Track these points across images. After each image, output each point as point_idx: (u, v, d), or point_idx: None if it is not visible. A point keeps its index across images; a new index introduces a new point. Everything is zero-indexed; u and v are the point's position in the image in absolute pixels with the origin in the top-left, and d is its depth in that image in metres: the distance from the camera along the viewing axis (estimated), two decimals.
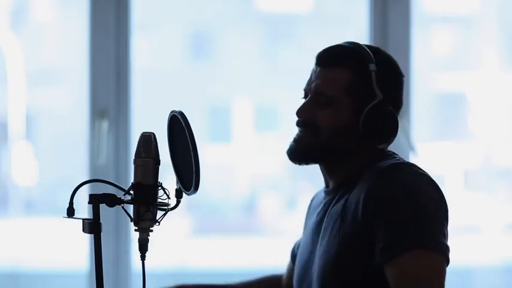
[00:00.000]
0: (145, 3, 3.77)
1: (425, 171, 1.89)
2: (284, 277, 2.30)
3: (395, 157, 1.97)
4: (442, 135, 4.08)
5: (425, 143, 3.78)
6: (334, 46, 2.01)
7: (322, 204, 2.03)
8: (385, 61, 1.99)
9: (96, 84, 3.59)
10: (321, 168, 2.05)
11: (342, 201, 1.93)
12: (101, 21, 3.58)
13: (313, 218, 2.06)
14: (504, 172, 4.09)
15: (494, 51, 4.09)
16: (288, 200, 3.96)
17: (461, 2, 4.11)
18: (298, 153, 2.00)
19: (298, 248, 2.16)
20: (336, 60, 1.99)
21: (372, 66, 1.95)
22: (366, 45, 2.00)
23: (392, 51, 3.63)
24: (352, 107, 1.95)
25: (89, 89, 3.59)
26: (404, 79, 2.04)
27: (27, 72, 3.89)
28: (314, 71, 2.01)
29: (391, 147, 2.03)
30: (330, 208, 1.97)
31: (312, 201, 2.19)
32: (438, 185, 1.87)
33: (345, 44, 2.01)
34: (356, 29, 3.75)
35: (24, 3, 4.07)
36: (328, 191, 2.02)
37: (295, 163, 2.01)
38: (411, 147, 3.52)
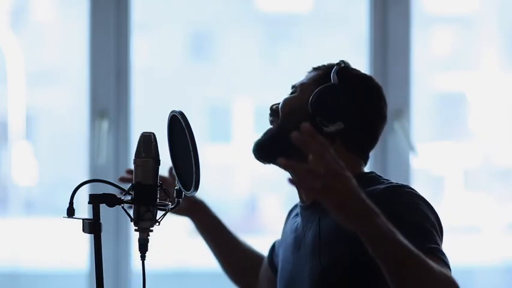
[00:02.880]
0: (145, 3, 3.77)
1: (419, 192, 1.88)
2: (262, 269, 2.29)
3: (385, 181, 1.93)
4: (442, 135, 4.08)
5: (425, 143, 3.78)
6: None
7: (300, 220, 2.02)
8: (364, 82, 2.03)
9: (96, 84, 3.59)
10: None
11: (323, 220, 1.91)
12: (101, 21, 3.59)
13: (292, 233, 2.05)
14: (504, 172, 4.09)
15: (494, 51, 4.09)
16: (288, 200, 3.96)
17: (461, 2, 4.11)
18: (260, 142, 2.02)
19: (278, 253, 2.15)
20: (321, 66, 2.05)
21: (342, 65, 2.01)
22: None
23: (392, 51, 3.67)
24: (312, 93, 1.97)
25: (89, 89, 3.59)
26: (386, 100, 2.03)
27: (27, 72, 3.89)
28: None
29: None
30: (309, 225, 1.96)
31: (291, 211, 2.18)
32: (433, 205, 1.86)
33: None
34: (356, 29, 3.75)
35: (24, 3, 4.07)
36: (304, 206, 2.01)
37: (258, 157, 2.02)
38: (411, 147, 3.52)
